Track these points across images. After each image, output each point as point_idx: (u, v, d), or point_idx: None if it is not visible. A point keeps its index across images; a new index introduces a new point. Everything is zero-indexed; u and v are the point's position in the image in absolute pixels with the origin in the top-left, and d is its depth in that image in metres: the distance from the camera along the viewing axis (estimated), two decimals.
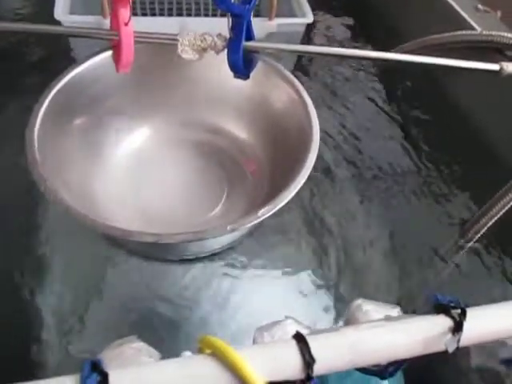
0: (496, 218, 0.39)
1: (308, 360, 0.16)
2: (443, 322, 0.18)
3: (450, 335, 0.18)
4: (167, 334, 0.36)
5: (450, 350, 0.17)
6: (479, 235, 0.41)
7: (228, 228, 0.31)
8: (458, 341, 0.18)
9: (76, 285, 0.39)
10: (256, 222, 0.32)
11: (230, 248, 0.41)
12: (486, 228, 0.40)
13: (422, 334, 0.18)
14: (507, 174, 0.38)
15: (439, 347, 0.18)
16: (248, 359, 0.15)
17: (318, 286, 0.40)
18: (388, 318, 0.20)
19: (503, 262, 0.42)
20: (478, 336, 0.18)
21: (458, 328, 0.17)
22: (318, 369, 0.16)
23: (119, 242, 0.40)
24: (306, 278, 0.40)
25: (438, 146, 0.52)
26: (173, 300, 0.38)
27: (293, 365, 0.16)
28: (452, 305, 0.18)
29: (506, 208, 0.38)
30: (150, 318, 0.37)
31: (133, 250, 0.40)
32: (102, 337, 0.35)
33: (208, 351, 0.16)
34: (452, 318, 0.18)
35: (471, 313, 0.18)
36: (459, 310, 0.18)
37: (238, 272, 0.40)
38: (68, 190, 0.34)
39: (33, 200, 0.42)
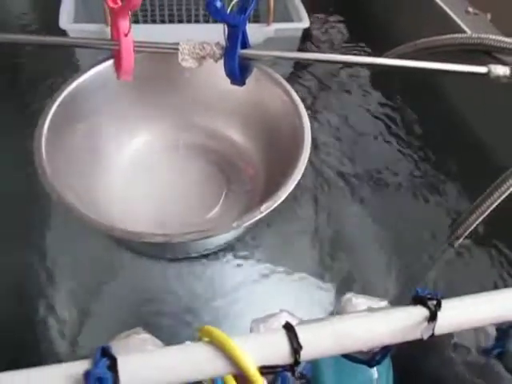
0: (485, 215, 0.41)
1: (296, 347, 0.18)
2: (420, 312, 0.19)
3: (425, 324, 0.19)
4: (169, 328, 0.38)
5: (425, 337, 0.19)
6: (468, 232, 0.43)
7: (234, 224, 0.33)
8: (433, 329, 0.19)
9: (81, 284, 0.40)
10: (259, 217, 0.33)
11: (229, 246, 0.43)
12: (475, 225, 0.42)
13: (400, 323, 0.19)
14: (497, 172, 0.39)
15: (416, 335, 0.19)
16: (241, 346, 0.17)
17: (314, 281, 0.41)
18: (370, 309, 0.21)
19: (493, 257, 0.43)
20: (452, 325, 0.20)
21: (432, 317, 0.19)
22: (305, 355, 0.18)
23: (122, 242, 0.42)
24: (302, 274, 0.42)
25: (433, 145, 0.53)
26: (174, 296, 0.40)
27: (282, 351, 0.18)
28: (429, 296, 0.20)
29: (495, 205, 0.40)
30: (153, 314, 0.39)
31: (135, 250, 0.42)
32: (107, 333, 0.37)
33: (206, 339, 0.18)
34: (428, 308, 0.19)
35: (446, 304, 0.19)
36: (435, 301, 0.20)
37: (236, 268, 0.42)
38: (76, 197, 0.35)
39: (39, 204, 0.44)
